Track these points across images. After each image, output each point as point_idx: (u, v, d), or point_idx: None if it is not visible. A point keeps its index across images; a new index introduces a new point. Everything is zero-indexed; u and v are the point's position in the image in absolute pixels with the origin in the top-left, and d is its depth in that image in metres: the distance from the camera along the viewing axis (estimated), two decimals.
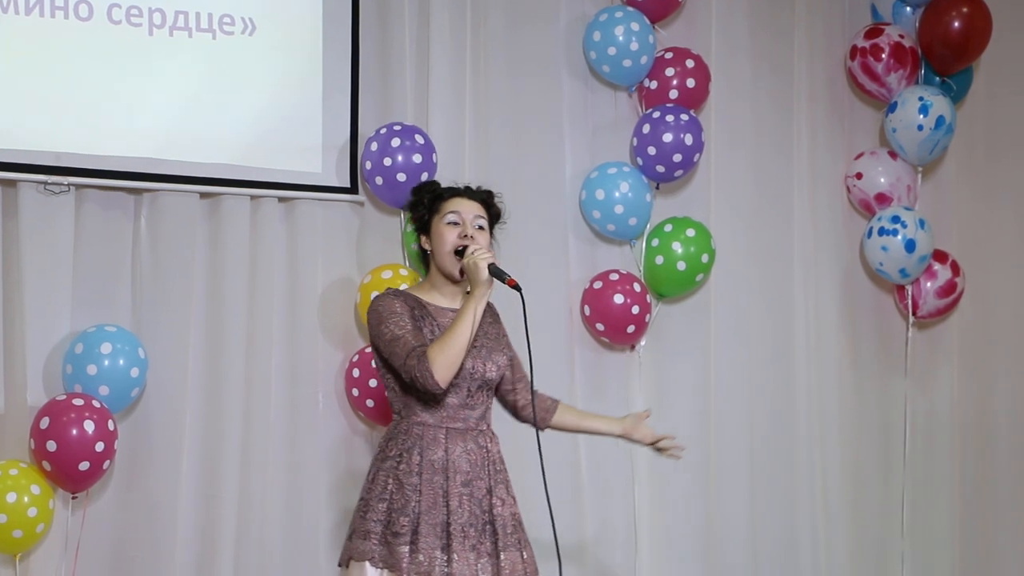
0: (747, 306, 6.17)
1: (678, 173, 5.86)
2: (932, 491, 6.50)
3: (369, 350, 5.23)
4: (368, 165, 5.30)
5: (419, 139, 5.30)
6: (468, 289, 4.11)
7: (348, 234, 5.45)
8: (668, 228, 5.86)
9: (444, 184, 4.32)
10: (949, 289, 6.36)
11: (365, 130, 5.42)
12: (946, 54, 6.25)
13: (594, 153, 5.91)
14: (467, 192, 4.25)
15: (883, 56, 6.23)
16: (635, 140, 5.84)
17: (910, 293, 6.36)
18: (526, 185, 5.67)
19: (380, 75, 5.50)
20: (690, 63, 5.87)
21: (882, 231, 6.21)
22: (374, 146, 5.28)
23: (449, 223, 4.16)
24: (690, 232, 5.83)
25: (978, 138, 6.54)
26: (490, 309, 4.27)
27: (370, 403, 5.26)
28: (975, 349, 6.54)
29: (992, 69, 6.51)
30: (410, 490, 4.06)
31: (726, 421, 6.07)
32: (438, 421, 4.11)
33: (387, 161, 5.25)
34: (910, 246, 6.17)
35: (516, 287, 4.02)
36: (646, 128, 5.79)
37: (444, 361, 3.98)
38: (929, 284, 6.35)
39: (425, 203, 4.22)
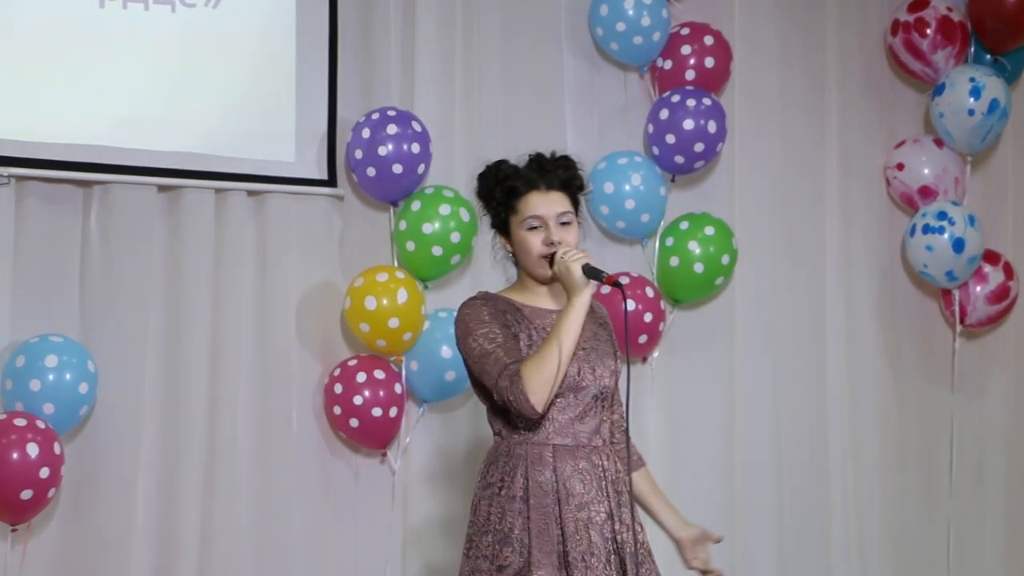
0: (774, 313, 6.15)
1: (698, 164, 5.85)
2: (981, 522, 6.44)
3: (354, 363, 5.23)
4: (358, 154, 5.30)
5: (416, 126, 5.33)
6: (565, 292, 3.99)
7: (328, 232, 5.45)
8: (684, 226, 5.84)
9: (516, 161, 4.07)
10: (1002, 294, 6.30)
11: (345, 115, 5.42)
12: (1000, 29, 6.21)
13: (602, 141, 5.89)
14: (545, 179, 4.01)
15: (928, 31, 6.19)
16: (651, 127, 5.84)
17: (957, 298, 6.31)
18: None
19: (361, 54, 5.52)
20: (709, 40, 5.85)
21: (927, 229, 6.15)
22: (366, 132, 5.28)
23: (530, 229, 3.98)
24: (709, 230, 5.79)
25: None
26: (594, 310, 4.11)
27: (354, 423, 5.23)
28: None
29: None
30: (513, 516, 3.89)
31: (751, 443, 6.04)
32: (544, 438, 3.93)
33: (382, 150, 5.26)
34: (958, 246, 6.11)
35: (617, 284, 3.88)
36: (664, 113, 5.78)
37: (540, 381, 3.82)
38: (979, 288, 6.29)
39: (499, 198, 4.03)
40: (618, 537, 3.93)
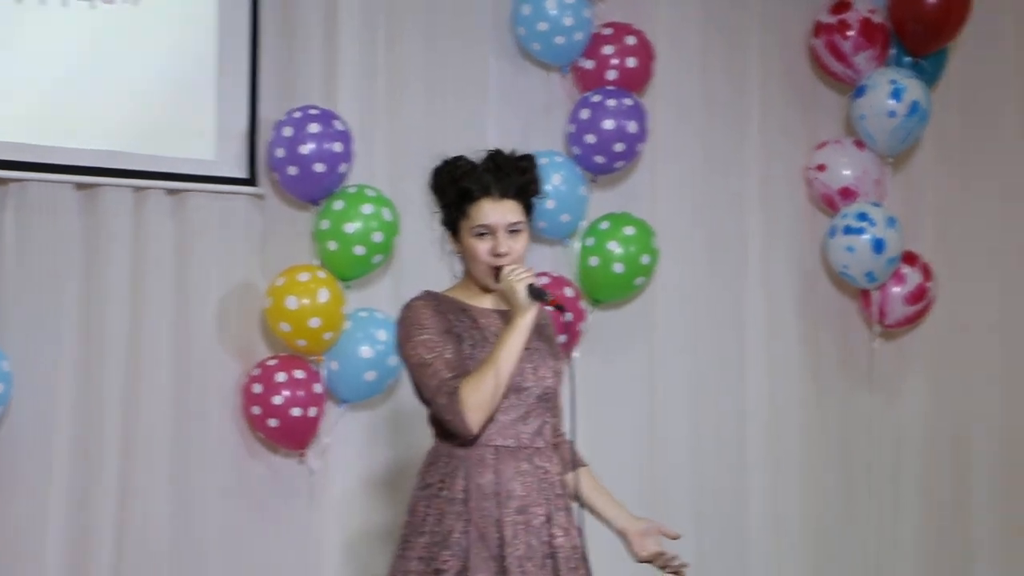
0: (694, 313, 6.14)
1: (619, 164, 5.84)
2: (900, 521, 6.46)
3: (273, 363, 5.22)
4: (279, 153, 5.26)
5: (338, 125, 5.30)
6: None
7: (248, 231, 5.39)
8: (605, 226, 5.82)
9: (473, 157, 3.99)
10: (920, 295, 6.33)
11: (266, 114, 5.37)
12: (920, 31, 6.22)
13: (525, 141, 5.70)
14: (499, 186, 3.93)
15: (850, 33, 6.19)
16: (572, 127, 5.82)
17: (876, 299, 6.33)
18: None
19: (283, 52, 5.46)
20: (631, 40, 5.83)
21: (847, 230, 6.17)
22: (287, 131, 5.24)
23: (479, 235, 3.92)
24: (629, 230, 5.78)
25: (953, 127, 6.53)
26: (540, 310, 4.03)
27: (273, 423, 5.20)
28: (949, 361, 6.52)
29: (969, 50, 6.49)
30: (453, 519, 3.86)
31: (670, 443, 6.03)
32: (486, 439, 3.89)
33: (303, 149, 5.22)
34: (878, 246, 6.13)
35: (560, 307, 3.88)
36: (584, 113, 5.76)
37: (478, 402, 3.80)
38: (897, 289, 6.31)
39: (451, 199, 3.96)
40: (554, 541, 3.90)
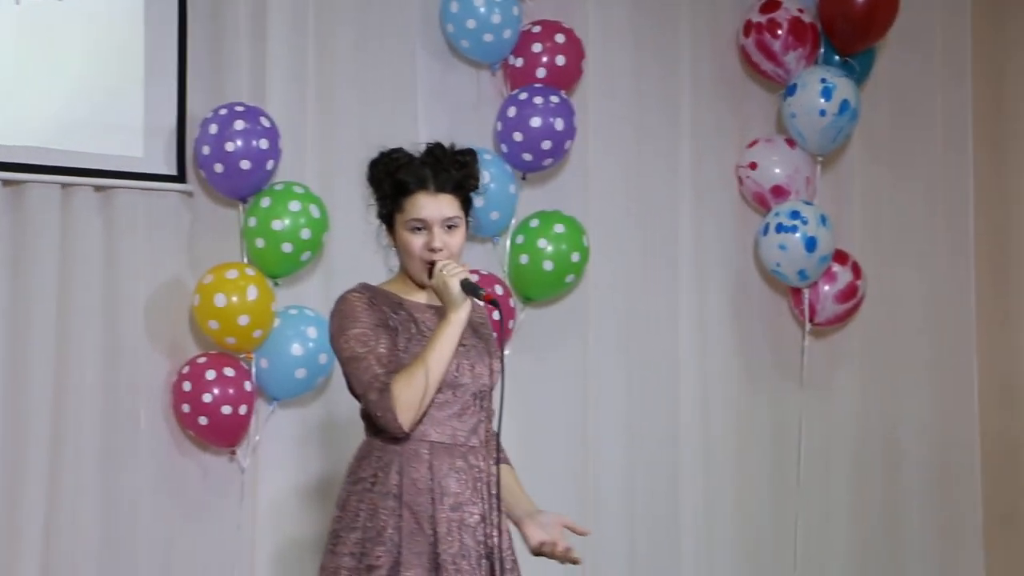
0: (627, 311, 6.13)
1: (547, 162, 5.83)
2: (829, 519, 6.48)
3: (203, 360, 5.19)
4: (205, 150, 5.22)
5: (264, 122, 5.24)
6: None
7: (177, 229, 5.35)
8: (535, 223, 5.82)
9: (410, 149, 3.99)
10: (849, 293, 6.35)
11: (194, 110, 5.32)
12: (849, 30, 6.24)
13: (454, 139, 5.53)
14: (437, 180, 3.91)
15: (780, 32, 6.21)
16: (499, 124, 5.81)
17: (807, 297, 6.34)
18: None
19: (211, 48, 5.40)
20: (560, 38, 5.81)
21: (780, 228, 6.18)
22: (213, 128, 5.20)
23: (413, 230, 3.90)
24: (559, 228, 5.78)
25: (882, 125, 6.58)
26: (474, 307, 4.00)
27: (203, 420, 5.16)
28: (878, 359, 6.58)
29: (897, 48, 6.55)
30: (386, 514, 3.83)
31: (603, 441, 6.02)
32: (420, 434, 3.86)
33: (229, 146, 5.18)
34: (811, 245, 6.14)
35: (494, 303, 3.83)
36: (512, 111, 5.75)
37: (411, 399, 3.77)
38: (827, 288, 6.32)
39: (387, 191, 3.94)
40: (489, 541, 3.88)
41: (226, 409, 5.15)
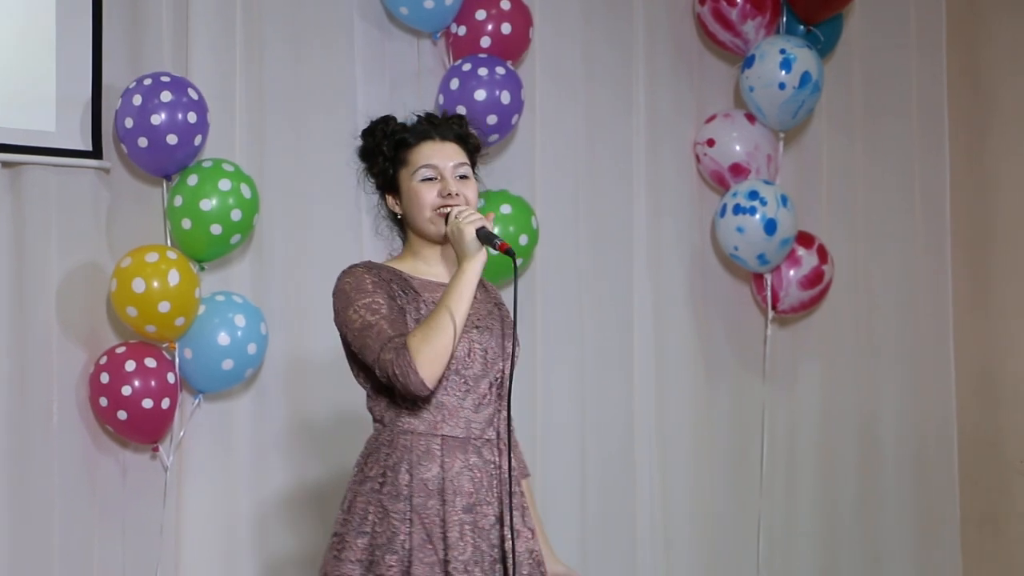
0: (578, 296, 6.14)
1: (493, 138, 5.79)
2: (794, 518, 6.53)
3: (121, 350, 5.13)
4: (128, 123, 5.17)
5: (192, 93, 5.21)
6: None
7: (93, 208, 5.32)
8: (480, 203, 5.68)
9: (403, 119, 4.00)
10: (815, 279, 6.38)
11: (111, 81, 5.30)
12: None
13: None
14: (439, 130, 3.92)
15: (738, 1, 6.22)
16: (441, 97, 5.77)
17: (769, 283, 6.37)
18: (311, 151, 5.60)
19: (129, 15, 5.38)
20: (506, 5, 5.78)
21: (737, 209, 6.20)
22: (136, 99, 5.15)
23: (424, 180, 3.86)
24: (506, 208, 5.76)
25: (851, 100, 6.65)
26: (488, 288, 3.98)
27: (122, 415, 5.12)
28: (847, 350, 6.64)
29: (865, 18, 6.61)
30: (397, 519, 3.74)
31: (553, 433, 6.03)
32: (431, 427, 3.78)
33: (155, 119, 5.13)
34: (770, 227, 6.17)
35: (509, 252, 3.72)
36: (454, 83, 5.72)
37: (430, 353, 3.66)
38: (792, 273, 6.36)
39: (386, 152, 3.91)
40: (505, 544, 3.81)
41: (147, 403, 5.11)
